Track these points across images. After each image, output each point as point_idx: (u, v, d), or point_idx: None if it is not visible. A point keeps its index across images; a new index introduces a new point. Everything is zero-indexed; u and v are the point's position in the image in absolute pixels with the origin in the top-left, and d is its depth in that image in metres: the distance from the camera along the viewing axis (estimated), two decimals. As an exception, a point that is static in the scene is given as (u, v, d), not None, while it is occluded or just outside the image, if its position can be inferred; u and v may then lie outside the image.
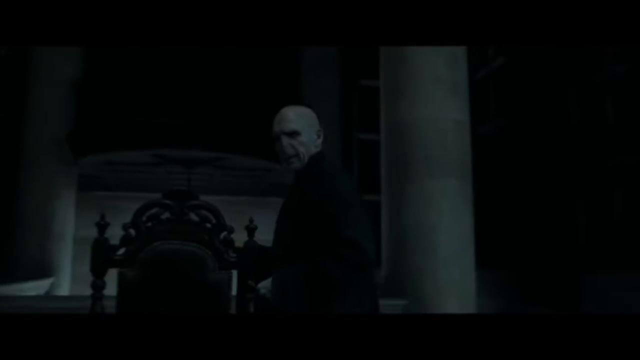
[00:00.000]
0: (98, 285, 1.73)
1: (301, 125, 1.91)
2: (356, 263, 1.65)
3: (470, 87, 4.35)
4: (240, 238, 1.81)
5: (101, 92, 7.19)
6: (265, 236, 1.88)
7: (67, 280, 7.14)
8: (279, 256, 1.76)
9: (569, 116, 5.69)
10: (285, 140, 1.86)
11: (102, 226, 1.75)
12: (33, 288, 5.95)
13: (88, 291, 1.82)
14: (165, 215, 1.75)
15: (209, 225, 1.75)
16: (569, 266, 5.35)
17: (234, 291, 1.77)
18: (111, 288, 1.78)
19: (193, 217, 1.77)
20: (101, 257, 1.72)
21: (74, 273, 7.24)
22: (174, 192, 1.76)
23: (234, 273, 1.78)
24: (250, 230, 1.76)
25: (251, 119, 7.36)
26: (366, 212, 1.81)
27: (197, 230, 1.74)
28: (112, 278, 1.77)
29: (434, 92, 4.04)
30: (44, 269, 6.51)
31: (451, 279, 3.82)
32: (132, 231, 1.75)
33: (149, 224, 1.75)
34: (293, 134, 1.88)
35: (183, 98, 6.94)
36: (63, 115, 7.05)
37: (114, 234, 1.80)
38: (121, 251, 1.74)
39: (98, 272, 1.73)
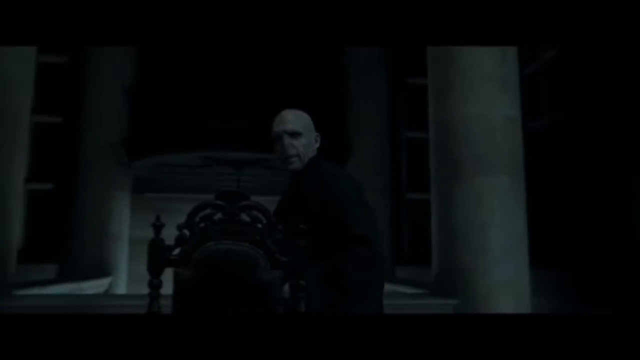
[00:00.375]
0: (155, 284, 1.78)
1: (302, 127, 2.01)
2: (371, 259, 1.75)
3: (521, 81, 4.25)
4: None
5: (153, 96, 7.41)
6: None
7: (124, 280, 7.37)
8: None
9: (625, 108, 5.46)
10: (287, 140, 1.96)
11: (157, 227, 1.80)
12: (92, 287, 6.18)
13: (144, 290, 1.88)
14: (218, 215, 1.79)
15: (260, 225, 1.77)
16: (630, 265, 5.14)
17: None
18: (167, 287, 1.83)
19: (244, 217, 1.79)
20: (157, 257, 1.77)
21: (130, 272, 7.48)
22: (226, 193, 1.79)
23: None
24: (301, 230, 1.77)
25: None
26: (371, 211, 1.90)
27: (249, 230, 1.76)
28: (168, 277, 1.83)
29: (483, 88, 3.97)
30: (102, 269, 6.74)
31: (504, 278, 3.74)
32: (186, 231, 1.80)
33: (202, 224, 1.79)
34: (295, 134, 1.97)
35: (231, 100, 7.06)
36: (118, 119, 7.30)
37: (168, 234, 1.85)
38: (176, 251, 1.79)
39: (155, 272, 1.78)
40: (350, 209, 1.83)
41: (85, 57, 7.19)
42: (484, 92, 3.97)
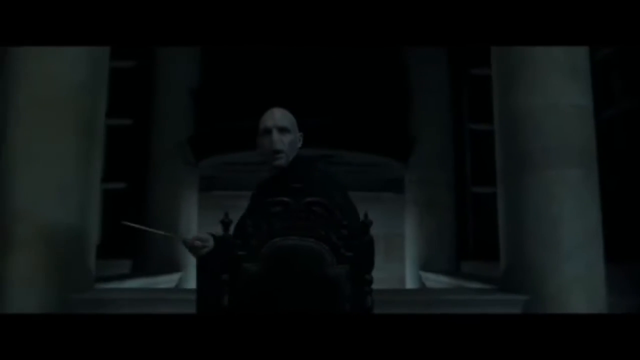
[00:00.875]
0: (225, 280, 1.84)
1: (290, 125, 2.03)
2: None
3: (592, 68, 4.06)
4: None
5: (218, 96, 7.60)
6: (378, 231, 1.90)
7: (193, 275, 7.61)
8: None
9: None
10: (277, 135, 1.97)
11: (226, 223, 1.87)
12: (165, 282, 6.43)
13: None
14: (284, 212, 1.82)
15: (324, 221, 1.80)
16: None
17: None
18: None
19: (310, 213, 1.82)
20: (226, 253, 1.83)
21: (199, 268, 7.70)
22: (291, 190, 1.82)
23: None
24: (366, 225, 1.78)
25: (360, 114, 7.42)
26: None
27: (314, 226, 1.79)
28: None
29: (552, 76, 3.83)
30: (172, 264, 6.99)
31: (576, 274, 3.61)
32: (253, 228, 1.84)
33: (270, 220, 1.84)
34: (284, 130, 1.99)
35: (292, 98, 7.11)
36: (185, 120, 7.54)
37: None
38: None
39: (224, 267, 1.84)
40: (354, 212, 1.91)
41: (153, 61, 7.46)
42: (552, 80, 3.82)
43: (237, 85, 7.42)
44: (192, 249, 1.93)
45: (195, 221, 7.84)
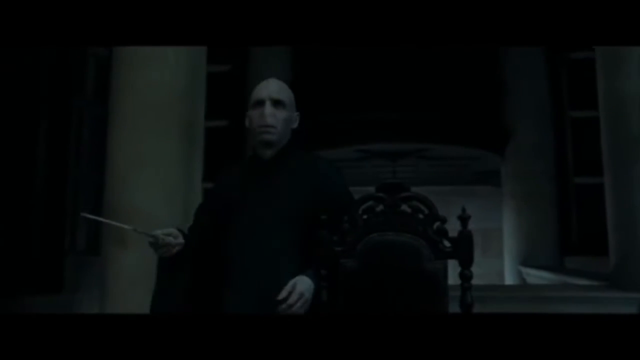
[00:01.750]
0: (322, 275, 1.87)
1: (287, 99, 1.81)
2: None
3: None
4: (450, 228, 1.81)
5: (309, 94, 7.72)
6: (475, 225, 1.83)
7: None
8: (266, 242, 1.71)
9: None
10: (270, 109, 1.74)
11: (323, 221, 1.90)
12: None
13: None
14: (380, 207, 1.83)
15: (421, 215, 1.78)
16: None
17: (450, 280, 1.78)
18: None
19: (406, 208, 1.81)
20: (325, 249, 1.87)
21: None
22: (387, 185, 1.82)
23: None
24: (464, 219, 1.75)
25: (453, 106, 7.25)
26: None
27: (411, 221, 1.78)
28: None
29: (664, 56, 3.55)
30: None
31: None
32: (349, 224, 1.87)
33: (365, 216, 1.85)
34: (279, 103, 1.77)
35: (383, 92, 7.11)
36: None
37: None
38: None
39: (323, 264, 1.88)
40: (351, 202, 1.79)
41: (246, 64, 7.71)
42: (664, 61, 3.55)
43: (328, 83, 7.51)
44: (163, 246, 1.67)
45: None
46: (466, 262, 1.73)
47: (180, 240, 1.69)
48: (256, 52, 7.62)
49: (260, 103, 1.75)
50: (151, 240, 1.66)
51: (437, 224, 1.76)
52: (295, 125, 1.86)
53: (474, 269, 1.79)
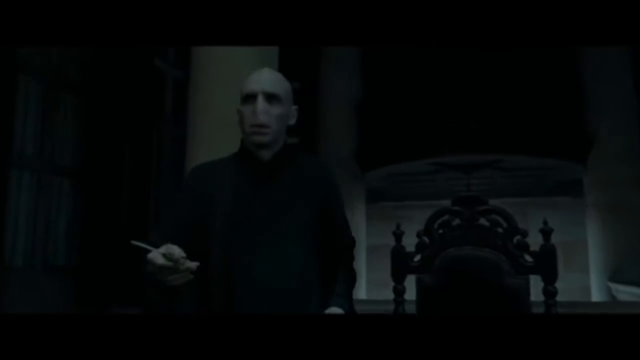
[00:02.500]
0: (399, 290, 1.85)
1: (283, 92, 1.51)
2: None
3: None
4: (530, 241, 1.74)
5: (380, 108, 7.73)
6: (556, 238, 1.74)
7: (363, 286, 7.77)
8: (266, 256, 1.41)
9: None
10: (262, 104, 1.45)
11: (398, 235, 1.88)
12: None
13: (382, 295, 1.96)
14: (456, 221, 1.79)
15: (500, 229, 1.73)
16: None
17: (533, 296, 1.71)
18: (410, 293, 1.89)
19: (484, 222, 1.77)
20: (400, 264, 1.84)
21: (368, 278, 7.85)
22: (463, 198, 1.78)
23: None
24: (546, 232, 1.68)
25: (528, 114, 7.01)
26: None
27: (489, 235, 1.73)
28: (410, 283, 1.88)
29: None
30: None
31: None
32: (425, 238, 1.84)
33: (441, 231, 1.82)
34: (273, 97, 1.48)
35: (455, 104, 6.99)
36: (349, 134, 7.79)
37: (406, 242, 1.91)
38: (417, 258, 1.84)
39: (398, 278, 1.85)
40: (343, 207, 1.63)
41: (317, 80, 7.83)
42: None
43: (399, 95, 7.49)
44: (182, 272, 1.27)
45: (364, 232, 8.00)
46: (550, 278, 1.66)
47: (195, 263, 1.28)
48: (326, 69, 7.72)
49: (252, 97, 1.47)
50: (166, 264, 1.25)
51: (517, 238, 1.70)
52: (292, 121, 1.57)
53: (557, 284, 1.71)
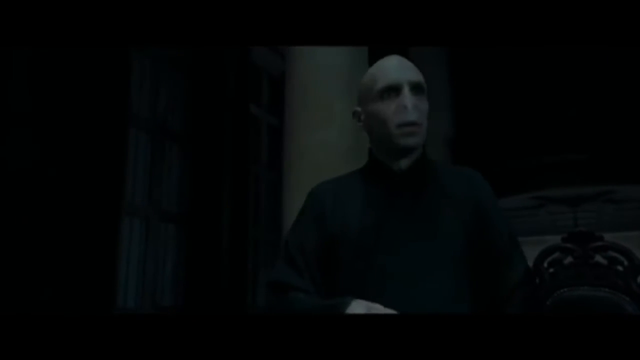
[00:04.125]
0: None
1: (425, 84, 1.22)
2: None
3: None
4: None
5: (475, 143, 7.54)
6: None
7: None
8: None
9: None
10: (411, 98, 1.16)
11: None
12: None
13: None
14: (568, 259, 1.67)
15: (620, 267, 1.59)
16: None
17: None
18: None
19: (600, 259, 1.63)
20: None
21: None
22: (576, 234, 1.66)
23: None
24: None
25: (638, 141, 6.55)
26: None
27: (608, 274, 1.59)
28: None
29: None
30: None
31: None
32: (535, 278, 1.72)
33: (551, 270, 1.70)
34: (420, 89, 1.18)
35: (558, 134, 6.68)
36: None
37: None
38: (528, 299, 1.73)
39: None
40: (511, 232, 1.27)
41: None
42: None
43: (494, 129, 7.28)
44: None
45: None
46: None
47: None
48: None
49: (394, 90, 1.17)
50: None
51: (642, 277, 1.55)
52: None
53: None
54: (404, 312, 1.04)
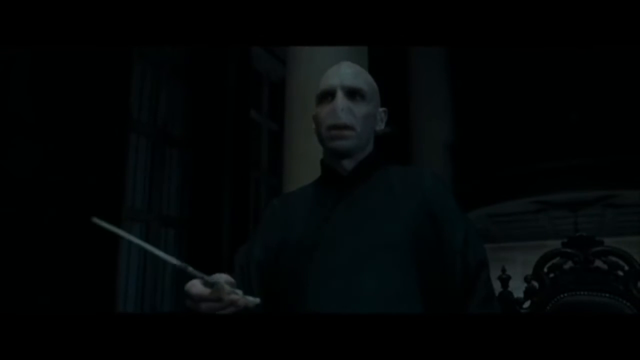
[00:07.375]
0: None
1: (367, 87, 1.22)
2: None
3: None
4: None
5: (476, 148, 7.53)
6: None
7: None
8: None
9: None
10: (343, 101, 1.17)
11: (504, 280, 1.78)
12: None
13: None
14: (569, 264, 1.67)
15: (621, 272, 1.59)
16: None
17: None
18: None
19: (600, 264, 1.63)
20: (508, 311, 1.74)
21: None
22: (576, 239, 1.66)
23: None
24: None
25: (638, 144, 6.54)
26: None
27: (608, 279, 1.59)
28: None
29: None
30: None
31: None
32: (535, 283, 1.72)
33: (552, 275, 1.70)
34: (355, 93, 1.19)
35: (558, 138, 6.67)
36: (444, 175, 7.63)
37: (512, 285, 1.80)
38: (527, 304, 1.73)
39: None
40: (468, 226, 1.21)
41: (406, 124, 7.80)
42: None
43: (495, 134, 7.27)
44: (225, 305, 1.02)
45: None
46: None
47: (255, 300, 1.01)
48: (416, 111, 7.68)
49: (329, 95, 1.20)
50: (209, 296, 1.03)
51: (642, 282, 1.55)
52: (381, 126, 1.28)
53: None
54: (344, 308, 1.05)
